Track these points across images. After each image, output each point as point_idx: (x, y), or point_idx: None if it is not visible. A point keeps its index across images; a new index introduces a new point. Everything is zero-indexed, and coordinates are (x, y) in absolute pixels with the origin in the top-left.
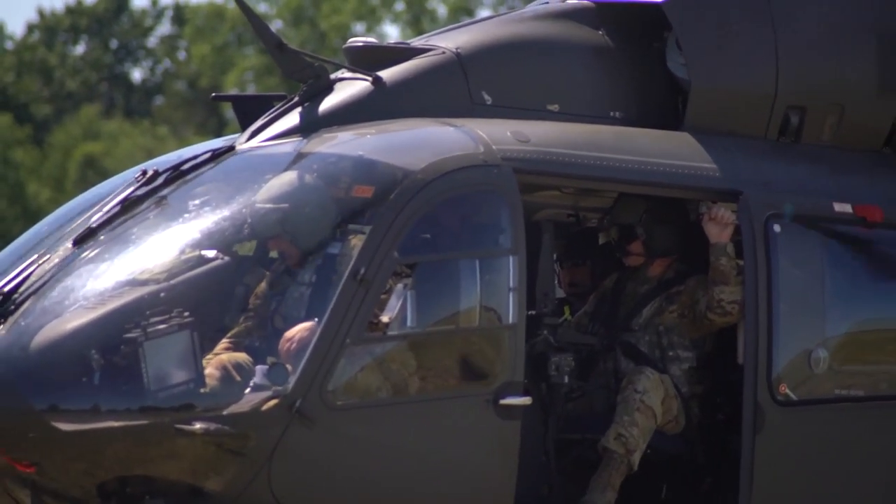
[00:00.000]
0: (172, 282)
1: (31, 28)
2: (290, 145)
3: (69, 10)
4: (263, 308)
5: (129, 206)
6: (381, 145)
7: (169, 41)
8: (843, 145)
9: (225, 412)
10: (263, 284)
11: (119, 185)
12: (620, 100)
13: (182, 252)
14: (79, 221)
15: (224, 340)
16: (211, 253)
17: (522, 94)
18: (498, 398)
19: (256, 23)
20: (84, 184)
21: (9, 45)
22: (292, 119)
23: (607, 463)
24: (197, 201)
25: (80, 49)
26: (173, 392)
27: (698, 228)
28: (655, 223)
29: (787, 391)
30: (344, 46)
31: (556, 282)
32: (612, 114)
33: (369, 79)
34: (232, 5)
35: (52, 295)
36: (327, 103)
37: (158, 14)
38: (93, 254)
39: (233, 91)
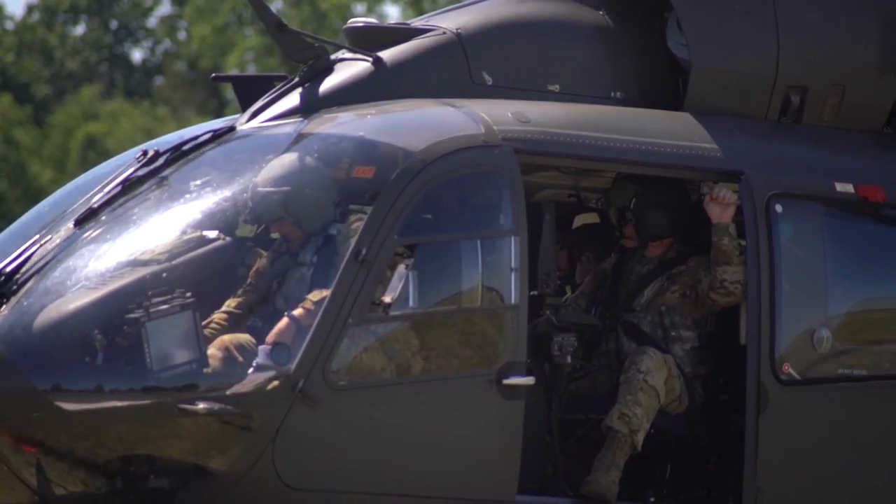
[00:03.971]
0: (174, 262)
1: (30, 8)
2: (290, 126)
3: None
4: (263, 285)
5: (130, 186)
6: (382, 126)
7: (169, 21)
8: (844, 126)
9: (228, 392)
10: (263, 261)
11: (120, 166)
12: (621, 80)
13: (183, 232)
14: (80, 202)
15: (221, 311)
16: (212, 233)
17: (523, 75)
18: (501, 378)
19: (256, 3)
20: (85, 164)
21: (9, 25)
22: (293, 100)
23: (611, 442)
24: (198, 182)
25: (79, 30)
26: (176, 372)
27: (700, 209)
28: (645, 207)
29: (791, 370)
30: (344, 27)
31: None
32: (612, 94)
33: (370, 59)
34: None
35: (54, 275)
36: (328, 84)
37: None
38: (94, 234)
39: (233, 72)
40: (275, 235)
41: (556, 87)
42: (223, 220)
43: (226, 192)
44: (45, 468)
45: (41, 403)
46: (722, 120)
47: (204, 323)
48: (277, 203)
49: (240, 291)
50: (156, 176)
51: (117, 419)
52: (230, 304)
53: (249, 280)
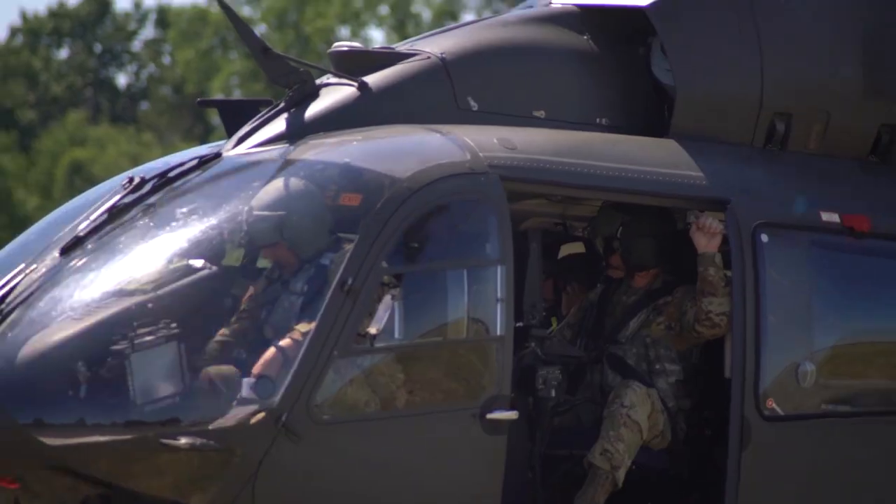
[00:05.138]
0: (160, 292)
1: (14, 31)
2: (276, 152)
3: (52, 14)
4: (256, 312)
5: (116, 214)
6: (368, 153)
7: (153, 45)
8: (829, 153)
9: (211, 426)
10: (257, 287)
11: (106, 193)
12: (606, 106)
13: (170, 261)
14: (66, 230)
15: (217, 339)
16: (199, 263)
17: (508, 100)
18: (485, 412)
19: (241, 27)
20: (72, 190)
21: None
22: (279, 125)
23: (592, 479)
24: (184, 209)
25: (63, 53)
26: (159, 406)
27: (686, 238)
28: (632, 237)
29: (774, 406)
30: (329, 51)
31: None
32: (598, 120)
33: (355, 84)
34: (215, 9)
35: (39, 305)
36: (313, 109)
37: (142, 18)
38: (80, 263)
39: (218, 96)
40: (263, 263)
41: (541, 114)
42: (210, 248)
43: (213, 220)
44: None
45: (22, 438)
46: (707, 147)
47: (201, 351)
48: (273, 227)
49: (233, 319)
50: (142, 203)
51: (99, 454)
52: (224, 332)
53: (243, 307)
